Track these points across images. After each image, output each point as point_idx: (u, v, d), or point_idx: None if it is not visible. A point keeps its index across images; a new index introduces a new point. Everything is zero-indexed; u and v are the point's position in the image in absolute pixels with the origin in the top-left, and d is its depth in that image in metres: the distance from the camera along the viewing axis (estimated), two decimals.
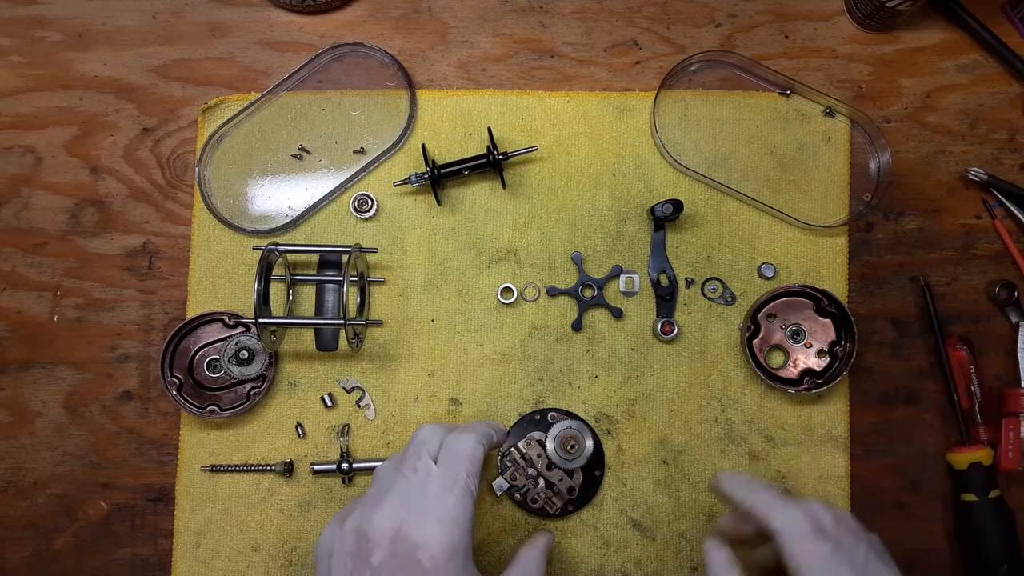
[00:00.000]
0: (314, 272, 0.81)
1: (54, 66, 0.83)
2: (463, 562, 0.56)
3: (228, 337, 0.78)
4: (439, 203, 0.80)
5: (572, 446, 0.74)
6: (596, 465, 0.77)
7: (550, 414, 0.77)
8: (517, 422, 0.77)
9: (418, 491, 0.58)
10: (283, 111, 0.82)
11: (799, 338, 0.79)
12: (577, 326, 0.79)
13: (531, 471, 0.75)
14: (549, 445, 0.75)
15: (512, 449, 0.76)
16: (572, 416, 0.77)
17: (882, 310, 0.81)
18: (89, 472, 0.79)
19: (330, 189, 0.81)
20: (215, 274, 0.80)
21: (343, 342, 0.79)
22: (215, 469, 0.77)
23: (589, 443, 0.75)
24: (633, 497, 0.77)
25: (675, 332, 0.79)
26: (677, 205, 0.77)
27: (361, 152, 0.82)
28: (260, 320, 0.72)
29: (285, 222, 0.80)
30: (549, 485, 0.75)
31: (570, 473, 0.75)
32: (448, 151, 0.82)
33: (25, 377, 0.80)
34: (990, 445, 0.77)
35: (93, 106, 0.83)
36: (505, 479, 0.75)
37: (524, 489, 0.75)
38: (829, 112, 0.82)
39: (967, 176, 0.81)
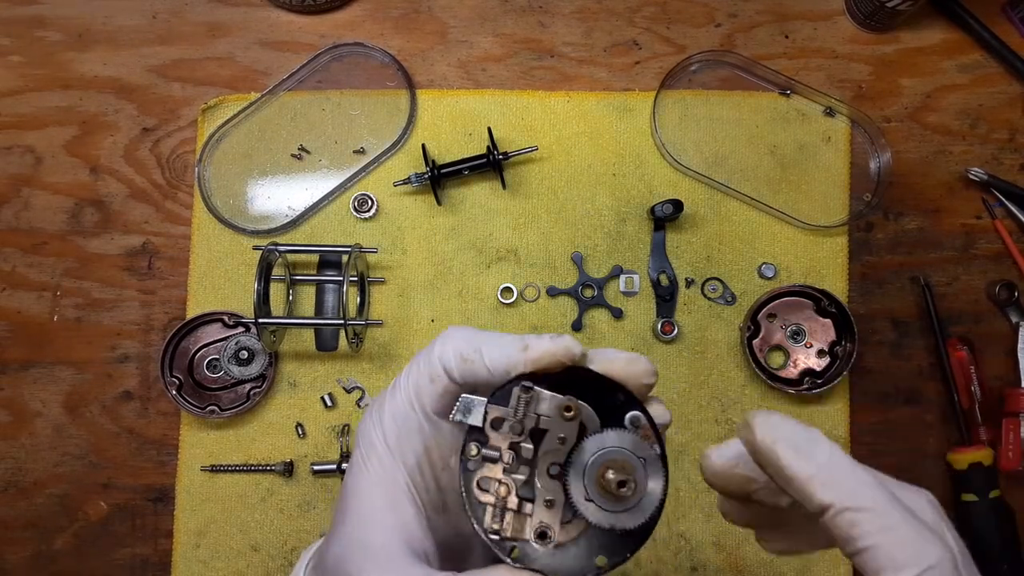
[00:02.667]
0: (314, 272, 0.81)
1: (54, 66, 0.83)
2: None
3: (228, 337, 0.78)
4: (439, 203, 0.80)
5: (621, 486, 0.38)
6: (631, 542, 0.40)
7: (632, 414, 0.41)
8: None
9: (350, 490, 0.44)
10: (283, 111, 0.82)
11: (799, 338, 0.79)
12: (577, 326, 0.79)
13: (526, 449, 0.40)
14: (583, 460, 0.40)
15: (531, 396, 0.40)
16: (660, 450, 0.40)
17: (882, 310, 0.81)
18: (89, 472, 0.79)
19: (330, 189, 0.81)
20: (215, 274, 0.80)
21: (343, 342, 0.79)
22: (215, 469, 0.77)
23: (655, 491, 0.40)
24: None
25: (675, 332, 0.79)
26: (677, 205, 0.77)
27: (361, 152, 0.82)
28: (260, 320, 0.72)
29: (285, 222, 0.80)
30: (526, 497, 0.41)
31: (569, 511, 0.40)
32: (448, 151, 0.82)
33: (25, 377, 0.80)
34: (990, 445, 0.77)
35: (93, 106, 0.83)
36: (484, 413, 0.41)
37: (492, 458, 0.41)
38: (829, 112, 0.82)
39: (967, 176, 0.81)
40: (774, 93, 0.83)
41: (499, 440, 0.41)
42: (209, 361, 0.78)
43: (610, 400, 0.41)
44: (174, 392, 0.76)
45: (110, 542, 0.78)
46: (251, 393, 0.77)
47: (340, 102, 0.82)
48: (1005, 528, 0.75)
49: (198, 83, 0.83)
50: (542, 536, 0.40)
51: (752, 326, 0.78)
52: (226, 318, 0.78)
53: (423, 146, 0.80)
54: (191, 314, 0.79)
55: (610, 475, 0.39)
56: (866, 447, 0.79)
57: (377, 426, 0.45)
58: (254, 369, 0.77)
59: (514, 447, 0.41)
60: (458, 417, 0.41)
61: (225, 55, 0.83)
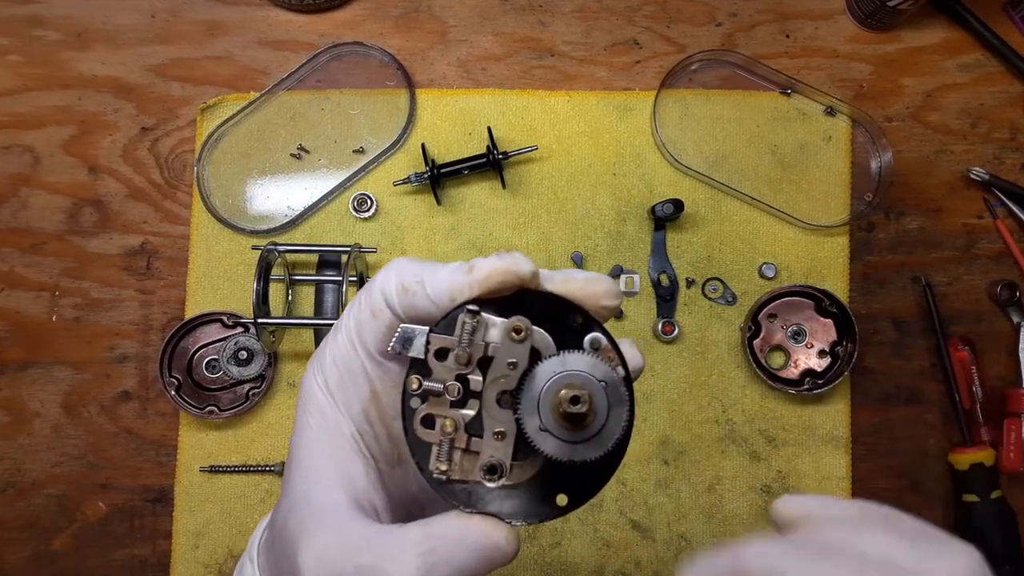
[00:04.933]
0: (313, 272, 0.80)
1: (52, 65, 0.83)
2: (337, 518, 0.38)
3: (227, 337, 0.78)
4: (439, 203, 0.80)
5: (575, 403, 0.34)
6: (585, 480, 0.36)
7: (592, 335, 0.37)
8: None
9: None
10: (282, 110, 0.82)
11: (800, 338, 0.79)
12: None
13: (474, 381, 0.36)
14: (537, 387, 0.35)
15: (478, 321, 0.36)
16: (624, 373, 0.36)
17: (883, 310, 0.81)
18: (87, 472, 0.78)
19: (329, 189, 0.80)
20: (214, 274, 0.80)
21: None
22: (214, 470, 0.77)
23: (619, 418, 0.35)
24: (633, 498, 0.77)
25: (676, 332, 0.79)
26: (678, 205, 0.77)
27: (360, 152, 0.82)
28: (259, 320, 0.71)
29: (284, 222, 0.80)
30: (476, 434, 0.36)
31: (524, 448, 0.36)
32: (448, 151, 0.81)
33: (23, 377, 0.79)
34: (992, 446, 0.76)
35: (91, 105, 0.82)
36: (426, 343, 0.36)
37: (436, 391, 0.36)
38: (830, 111, 0.82)
39: (968, 175, 0.81)
40: (775, 92, 0.83)
41: (444, 373, 0.36)
42: (208, 361, 0.78)
43: (568, 325, 0.37)
44: (173, 392, 0.76)
45: (109, 543, 0.78)
46: (250, 393, 0.77)
47: (340, 102, 0.82)
48: (1006, 529, 0.74)
49: (197, 82, 0.83)
50: (491, 470, 0.35)
51: (753, 326, 0.78)
52: (225, 318, 0.78)
53: (423, 146, 0.79)
54: (190, 314, 0.79)
55: (563, 393, 0.34)
56: (867, 447, 0.79)
57: (318, 373, 0.41)
58: (253, 369, 0.77)
59: (461, 379, 0.36)
60: (397, 348, 0.36)
61: (224, 54, 0.83)
